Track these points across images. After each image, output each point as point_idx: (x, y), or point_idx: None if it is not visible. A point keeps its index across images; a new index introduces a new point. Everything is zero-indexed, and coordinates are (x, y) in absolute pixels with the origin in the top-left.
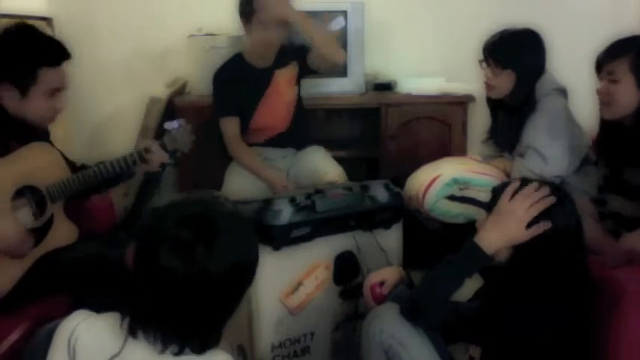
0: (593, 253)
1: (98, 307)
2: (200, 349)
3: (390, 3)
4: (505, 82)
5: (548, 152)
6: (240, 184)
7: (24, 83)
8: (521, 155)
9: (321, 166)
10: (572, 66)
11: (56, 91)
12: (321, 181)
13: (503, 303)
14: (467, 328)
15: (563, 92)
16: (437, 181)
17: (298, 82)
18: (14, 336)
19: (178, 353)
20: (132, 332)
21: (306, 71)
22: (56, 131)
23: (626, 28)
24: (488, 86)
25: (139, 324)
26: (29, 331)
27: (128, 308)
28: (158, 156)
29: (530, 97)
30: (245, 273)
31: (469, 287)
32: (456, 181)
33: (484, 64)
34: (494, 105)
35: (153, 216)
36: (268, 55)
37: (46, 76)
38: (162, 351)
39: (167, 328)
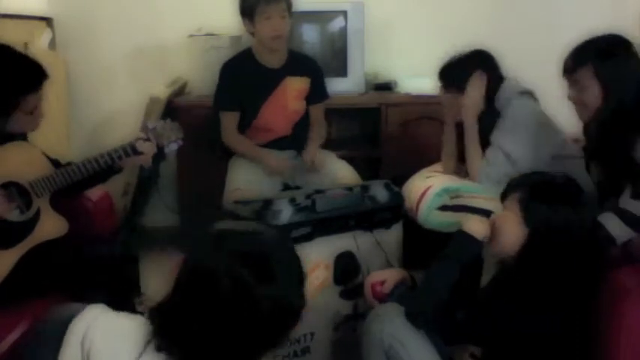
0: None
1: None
2: None
3: (390, 3)
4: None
5: (512, 151)
6: (242, 181)
7: (6, 110)
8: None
9: (336, 169)
10: None
11: (35, 108)
12: (337, 185)
13: (501, 303)
14: (465, 328)
15: (527, 94)
16: (427, 193)
17: (307, 100)
18: (14, 335)
19: None
20: (157, 346)
21: (311, 98)
22: (57, 131)
23: (626, 27)
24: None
25: (167, 339)
26: (29, 331)
27: (158, 319)
28: (145, 147)
29: (492, 105)
30: (292, 315)
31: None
32: (446, 190)
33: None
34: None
35: (207, 242)
36: (278, 52)
37: (28, 100)
38: None
39: (196, 353)
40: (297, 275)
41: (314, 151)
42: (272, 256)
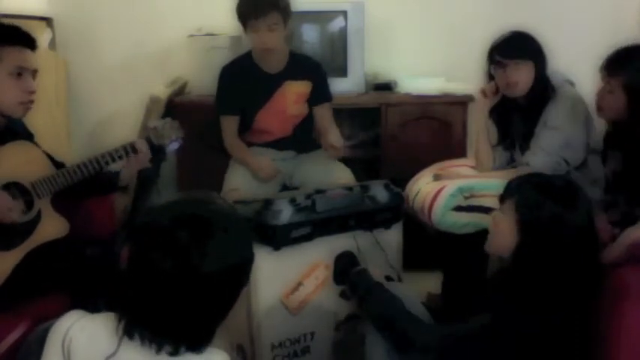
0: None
1: (98, 307)
2: (195, 349)
3: (391, 3)
4: (528, 75)
5: (571, 135)
6: (239, 182)
7: None
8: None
9: (331, 170)
10: (570, 64)
11: (22, 70)
12: (332, 185)
13: (500, 303)
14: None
15: (572, 84)
16: (441, 194)
17: (309, 103)
18: (14, 335)
19: (173, 353)
20: (128, 333)
21: (313, 101)
22: (57, 131)
23: (626, 27)
24: (511, 85)
25: (134, 324)
26: (29, 331)
27: (123, 308)
28: (143, 150)
29: (548, 87)
30: (240, 273)
31: None
32: (460, 190)
33: (500, 68)
34: (508, 107)
35: (147, 215)
36: (274, 60)
37: (9, 55)
38: (158, 351)
39: (161, 328)
40: (240, 233)
41: (335, 135)
42: (208, 216)
